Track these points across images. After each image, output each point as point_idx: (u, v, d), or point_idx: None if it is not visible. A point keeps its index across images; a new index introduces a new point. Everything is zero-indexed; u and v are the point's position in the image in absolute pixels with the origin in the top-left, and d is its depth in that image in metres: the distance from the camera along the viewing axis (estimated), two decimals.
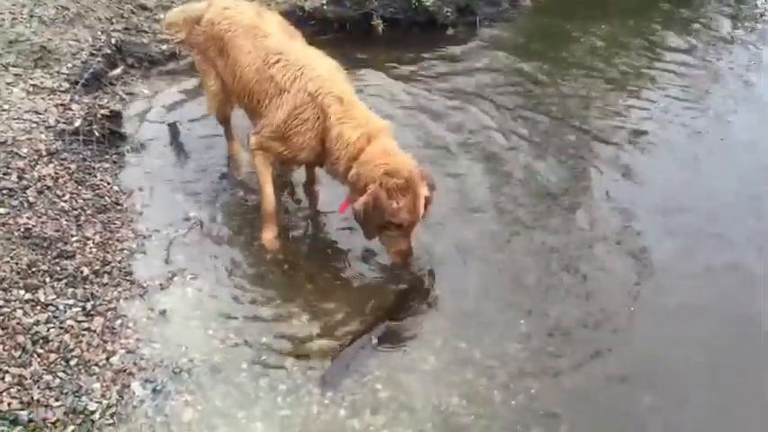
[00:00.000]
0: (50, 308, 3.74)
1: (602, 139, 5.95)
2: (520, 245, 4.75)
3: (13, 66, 5.39)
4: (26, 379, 3.37)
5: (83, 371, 3.53)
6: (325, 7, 7.17)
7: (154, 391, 3.54)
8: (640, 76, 7.12)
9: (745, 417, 3.72)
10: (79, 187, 4.66)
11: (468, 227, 4.87)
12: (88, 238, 4.27)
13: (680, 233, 4.93)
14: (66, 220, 4.34)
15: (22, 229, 4.09)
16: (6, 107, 4.97)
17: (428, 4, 7.49)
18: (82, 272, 4.02)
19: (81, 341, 3.66)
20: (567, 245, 4.76)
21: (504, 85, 6.67)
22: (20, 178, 4.43)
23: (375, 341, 3.94)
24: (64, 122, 5.02)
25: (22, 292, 3.77)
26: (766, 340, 4.12)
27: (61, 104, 5.20)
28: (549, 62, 7.14)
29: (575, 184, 5.40)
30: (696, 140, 6.08)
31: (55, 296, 3.82)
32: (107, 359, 3.63)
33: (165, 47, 6.37)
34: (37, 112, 5.03)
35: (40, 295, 3.79)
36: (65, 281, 3.93)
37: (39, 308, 3.72)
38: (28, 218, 4.19)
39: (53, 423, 3.24)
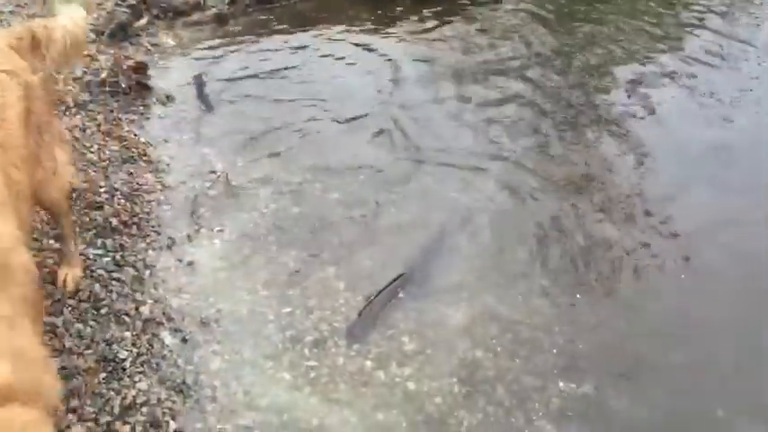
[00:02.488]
0: (80, 257, 3.77)
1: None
2: (548, 202, 4.71)
3: (39, 16, 5.36)
4: (58, 327, 3.42)
5: (113, 320, 3.57)
6: None
7: (183, 340, 3.59)
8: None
9: None
10: (106, 139, 4.68)
11: (496, 182, 4.83)
12: (116, 189, 4.30)
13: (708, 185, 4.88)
14: (95, 171, 4.36)
15: None
16: None
17: None
18: (111, 222, 4.05)
19: (111, 291, 3.70)
20: (594, 203, 4.72)
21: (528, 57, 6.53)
22: None
23: (401, 294, 3.95)
24: (90, 74, 5.01)
25: (51, 241, 3.80)
26: None
27: (88, 55, 5.19)
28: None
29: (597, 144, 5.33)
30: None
31: (84, 246, 3.86)
32: (136, 309, 3.67)
33: None
34: None
35: None
36: (94, 231, 3.97)
37: None
38: None
39: (85, 371, 3.30)
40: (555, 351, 3.74)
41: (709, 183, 4.96)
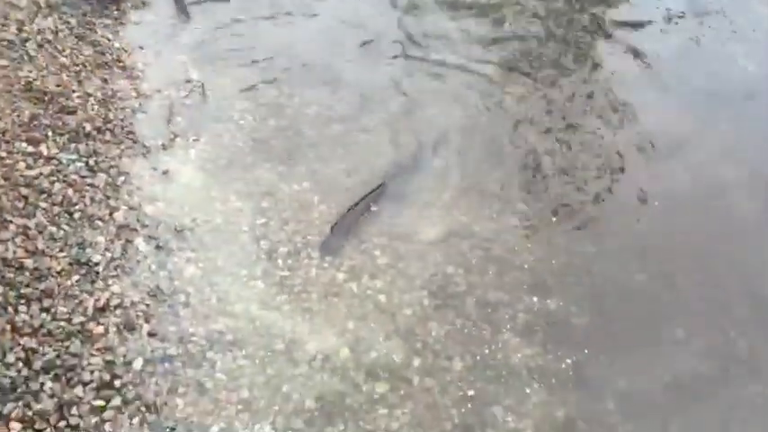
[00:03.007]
0: (53, 161, 3.74)
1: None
2: (530, 128, 4.72)
3: None
4: (30, 229, 3.41)
5: (86, 225, 3.57)
6: None
7: (157, 247, 3.60)
8: None
9: (729, 296, 3.82)
10: (80, 43, 4.56)
11: (475, 105, 4.83)
12: (89, 95, 4.22)
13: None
14: (67, 76, 4.27)
15: (23, 83, 4.03)
16: None
17: None
18: (84, 128, 4.00)
19: (84, 196, 3.68)
20: (570, 125, 4.74)
21: None
22: (19, 30, 4.32)
23: (374, 208, 3.98)
24: None
25: (24, 144, 3.75)
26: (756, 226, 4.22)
27: None
28: None
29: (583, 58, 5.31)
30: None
31: (57, 150, 3.81)
32: (110, 215, 3.67)
33: None
34: None
35: (43, 149, 3.77)
36: (67, 136, 3.91)
37: (41, 161, 3.71)
38: (29, 71, 4.12)
39: (58, 272, 3.31)
40: (524, 269, 3.81)
41: (685, 106, 4.98)
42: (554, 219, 4.12)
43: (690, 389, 3.39)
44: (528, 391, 3.28)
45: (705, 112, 4.98)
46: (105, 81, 4.40)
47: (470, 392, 3.25)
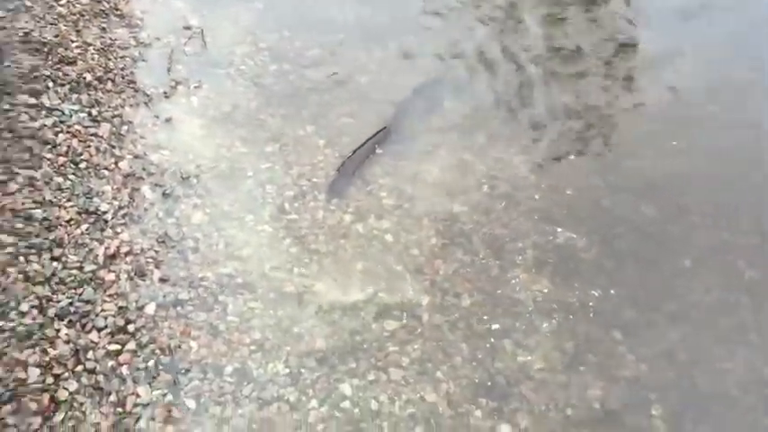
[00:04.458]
0: (56, 112, 3.72)
1: None
2: (531, 65, 4.65)
3: None
4: (37, 180, 3.42)
5: (93, 174, 3.57)
6: None
7: (163, 194, 3.62)
8: None
9: (739, 228, 3.81)
10: None
11: (479, 43, 4.76)
12: (89, 44, 4.18)
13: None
14: (65, 26, 4.22)
15: (21, 34, 3.99)
16: None
17: None
18: (84, 78, 3.97)
19: (89, 146, 3.68)
20: (579, 67, 4.68)
21: None
22: None
23: (379, 150, 3.97)
24: None
25: (25, 96, 3.73)
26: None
27: None
28: None
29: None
30: None
31: (59, 101, 3.79)
32: (116, 164, 3.67)
33: None
34: None
35: (44, 100, 3.75)
36: (68, 86, 3.89)
37: (44, 112, 3.70)
38: (26, 22, 4.08)
39: (67, 221, 3.34)
40: (531, 205, 3.81)
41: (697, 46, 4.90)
42: (561, 154, 4.10)
43: (696, 318, 3.41)
44: (536, 324, 3.32)
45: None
46: (104, 30, 4.35)
47: (479, 328, 3.28)
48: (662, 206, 3.85)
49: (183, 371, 2.97)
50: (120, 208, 3.48)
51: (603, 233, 3.68)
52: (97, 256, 3.25)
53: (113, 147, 3.76)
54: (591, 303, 3.40)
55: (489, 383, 3.08)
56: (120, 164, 3.69)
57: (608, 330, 3.32)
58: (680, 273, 3.58)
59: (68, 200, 3.42)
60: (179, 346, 3.04)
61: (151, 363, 2.97)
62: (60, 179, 3.48)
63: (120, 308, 3.12)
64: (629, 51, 4.78)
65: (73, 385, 2.83)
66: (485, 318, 3.32)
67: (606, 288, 3.47)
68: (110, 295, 3.14)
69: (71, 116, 3.76)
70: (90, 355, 2.94)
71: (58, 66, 3.97)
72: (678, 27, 4.98)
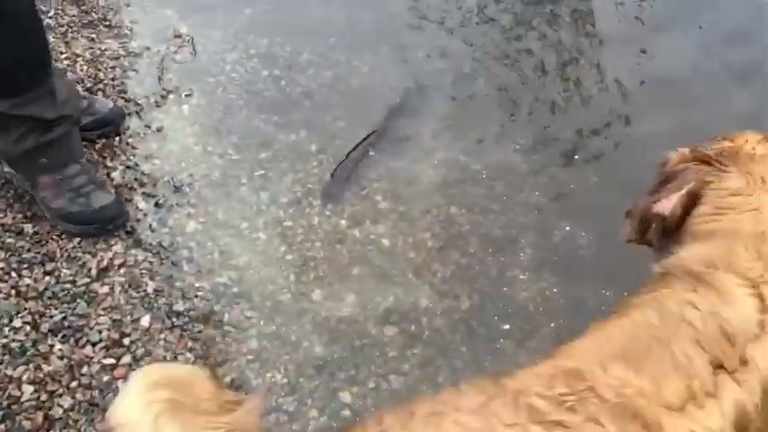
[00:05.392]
0: None
1: None
2: (525, 62, 4.63)
3: None
4: (27, 193, 3.40)
5: None
6: None
7: (156, 204, 3.58)
8: None
9: None
10: (64, 2, 4.48)
11: (470, 43, 4.73)
12: (78, 55, 4.16)
13: None
14: (54, 37, 4.20)
15: None
16: None
17: None
18: (66, 74, 3.93)
19: None
20: (572, 57, 4.66)
21: None
22: None
23: (372, 153, 3.94)
24: None
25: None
26: None
27: None
28: None
29: None
30: None
31: None
32: (107, 175, 3.64)
33: None
34: None
35: None
36: None
37: None
38: None
39: (58, 235, 3.31)
40: (528, 205, 3.78)
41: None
42: (557, 155, 4.06)
43: None
44: (538, 325, 3.28)
45: None
46: (93, 40, 4.33)
47: (480, 330, 3.24)
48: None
49: None
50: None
51: (600, 231, 3.63)
52: (90, 269, 3.21)
53: (105, 157, 3.72)
54: (589, 303, 3.36)
55: None
56: (113, 174, 3.66)
57: None
58: None
59: None
60: (175, 359, 3.00)
61: None
62: None
63: (115, 321, 3.08)
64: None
65: (67, 402, 2.79)
66: (484, 320, 3.28)
67: (607, 286, 3.43)
68: (104, 308, 3.10)
69: None
70: (85, 370, 2.90)
71: None
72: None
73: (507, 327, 3.26)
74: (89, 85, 4.02)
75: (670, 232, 2.21)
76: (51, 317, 3.02)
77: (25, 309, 3.00)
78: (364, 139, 3.99)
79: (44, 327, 2.97)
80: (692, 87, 4.47)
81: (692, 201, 2.09)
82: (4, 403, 2.71)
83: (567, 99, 4.39)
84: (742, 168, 1.95)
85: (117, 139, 3.83)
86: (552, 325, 3.27)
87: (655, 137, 4.13)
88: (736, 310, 1.67)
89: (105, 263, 3.25)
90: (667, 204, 2.15)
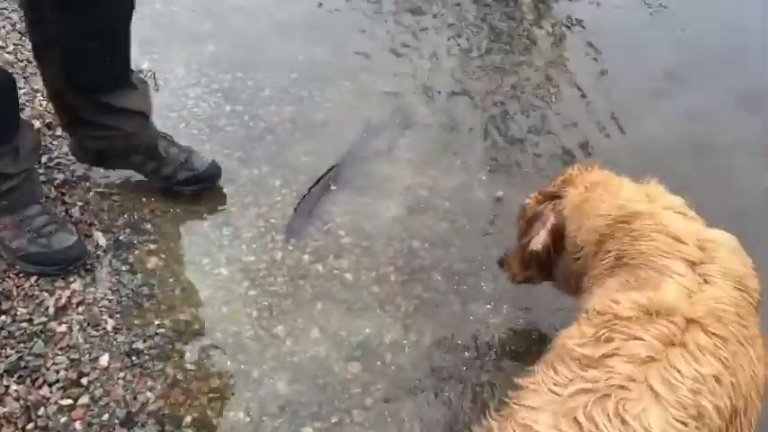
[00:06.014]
0: None
1: None
2: (487, 99, 4.73)
3: None
4: None
5: None
6: None
7: (116, 241, 3.54)
8: None
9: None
10: (23, 38, 4.44)
11: (432, 78, 4.82)
12: (37, 91, 4.13)
13: None
14: (14, 72, 4.15)
15: None
16: None
17: None
18: (32, 125, 3.89)
19: None
20: (538, 95, 4.77)
21: None
22: None
23: (333, 187, 3.96)
24: None
25: None
26: None
27: None
28: None
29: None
30: None
31: None
32: (66, 212, 3.60)
33: None
34: None
35: None
36: None
37: None
38: None
39: (15, 274, 3.26)
40: (490, 238, 3.82)
41: None
42: (519, 187, 4.11)
43: None
44: (498, 357, 3.30)
45: None
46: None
47: (443, 364, 3.25)
48: None
49: (139, 424, 2.87)
50: None
51: None
52: (48, 307, 3.16)
53: (64, 194, 3.68)
54: (552, 334, 3.37)
55: (454, 421, 3.04)
56: (71, 211, 3.61)
57: None
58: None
59: None
60: (135, 398, 2.95)
61: (106, 416, 2.87)
62: None
63: (73, 360, 3.02)
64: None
65: None
66: (447, 354, 3.29)
67: (568, 318, 3.46)
68: (61, 348, 3.05)
69: None
70: (41, 411, 2.84)
71: None
72: None
73: (470, 362, 3.27)
74: (48, 120, 3.98)
75: (545, 264, 2.75)
76: (7, 357, 2.95)
77: None
78: (325, 174, 4.02)
79: (0, 367, 2.90)
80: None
81: (559, 231, 2.61)
82: None
83: (528, 131, 4.48)
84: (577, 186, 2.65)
85: (79, 174, 3.79)
86: (513, 357, 3.29)
87: (615, 167, 4.23)
88: None
89: (63, 301, 3.20)
90: (538, 240, 2.65)
